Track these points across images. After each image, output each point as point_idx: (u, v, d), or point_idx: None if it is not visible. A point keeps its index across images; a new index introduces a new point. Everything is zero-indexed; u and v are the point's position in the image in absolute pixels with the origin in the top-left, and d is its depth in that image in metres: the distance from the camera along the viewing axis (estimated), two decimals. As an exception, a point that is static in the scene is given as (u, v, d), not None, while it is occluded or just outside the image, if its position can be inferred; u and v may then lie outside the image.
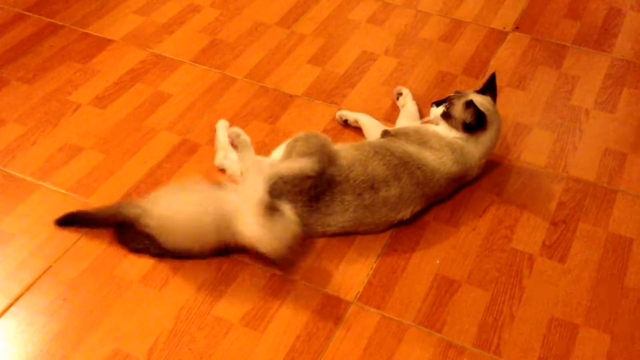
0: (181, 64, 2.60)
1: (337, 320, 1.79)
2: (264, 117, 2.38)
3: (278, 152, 2.05)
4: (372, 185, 1.92)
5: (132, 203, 1.94)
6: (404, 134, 2.08)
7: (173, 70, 2.56)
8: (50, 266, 1.89)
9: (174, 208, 1.86)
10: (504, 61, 2.66)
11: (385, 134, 2.12)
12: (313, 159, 1.91)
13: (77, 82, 2.49)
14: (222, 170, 2.14)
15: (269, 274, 1.88)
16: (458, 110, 2.04)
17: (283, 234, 1.80)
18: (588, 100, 2.50)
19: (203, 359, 1.70)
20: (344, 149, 2.01)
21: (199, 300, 1.82)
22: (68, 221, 1.97)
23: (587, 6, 2.97)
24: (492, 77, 2.15)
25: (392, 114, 2.40)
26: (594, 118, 2.42)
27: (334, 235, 1.97)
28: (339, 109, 2.38)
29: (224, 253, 1.90)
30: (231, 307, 1.80)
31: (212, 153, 2.23)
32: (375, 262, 1.93)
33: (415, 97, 2.41)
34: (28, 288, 1.84)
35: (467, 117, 2.02)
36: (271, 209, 1.77)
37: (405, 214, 1.97)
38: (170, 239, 1.85)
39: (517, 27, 2.84)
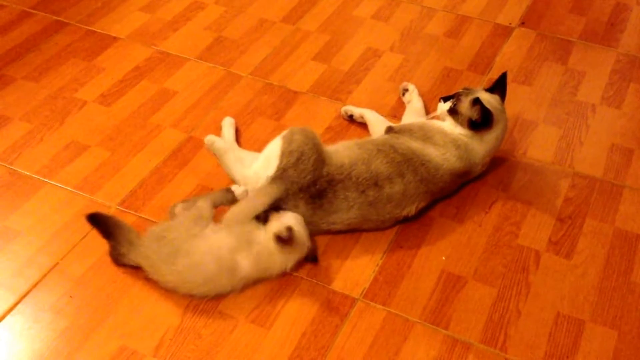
0: (186, 61, 2.60)
1: (343, 317, 1.79)
2: (269, 114, 2.37)
3: (266, 152, 2.00)
4: (376, 183, 1.92)
5: (128, 238, 1.86)
6: (408, 131, 2.07)
7: (178, 67, 2.57)
8: (56, 263, 1.90)
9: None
10: (509, 57, 2.66)
11: (389, 130, 2.12)
12: (276, 186, 1.90)
13: (83, 79, 2.50)
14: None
15: (274, 270, 1.88)
16: (465, 107, 2.04)
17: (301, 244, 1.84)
18: (594, 95, 2.49)
19: (209, 356, 1.70)
20: (348, 147, 2.00)
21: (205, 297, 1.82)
22: (94, 219, 1.93)
23: (593, 1, 2.95)
24: (503, 77, 2.14)
25: (397, 110, 2.39)
26: (601, 113, 2.42)
27: (339, 232, 1.96)
28: (344, 105, 2.37)
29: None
30: (237, 304, 1.80)
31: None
32: (381, 258, 1.93)
33: (421, 93, 2.41)
34: (35, 285, 1.85)
35: (474, 114, 2.02)
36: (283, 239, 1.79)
37: (410, 210, 1.97)
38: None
39: (522, 23, 2.83)
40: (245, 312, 1.79)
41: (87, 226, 1.98)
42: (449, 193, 2.07)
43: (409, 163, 1.95)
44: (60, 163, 2.18)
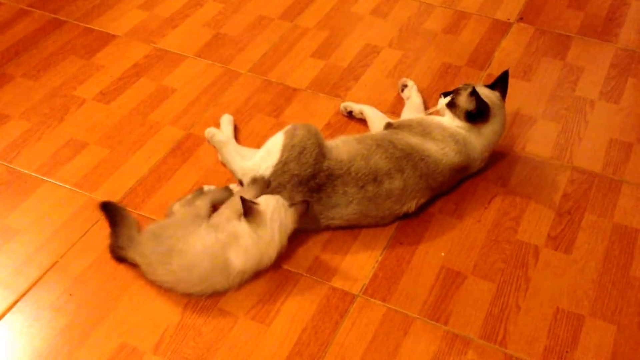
0: (185, 58, 2.59)
1: (343, 313, 1.79)
2: (268, 111, 2.37)
3: (268, 145, 2.01)
4: (375, 178, 1.92)
5: (129, 233, 1.88)
6: (407, 126, 2.08)
7: (177, 64, 2.56)
8: (56, 261, 1.90)
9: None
10: (508, 52, 2.65)
11: (388, 126, 2.12)
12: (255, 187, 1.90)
13: (82, 77, 2.49)
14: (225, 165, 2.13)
15: (274, 267, 1.88)
16: (462, 99, 2.04)
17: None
18: (593, 90, 2.49)
19: (209, 353, 1.70)
20: (347, 143, 2.00)
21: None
22: (106, 207, 1.94)
23: (592, -4, 2.96)
24: (505, 74, 2.14)
25: (396, 106, 2.39)
26: (599, 108, 2.42)
27: (339, 228, 1.97)
28: (344, 102, 2.37)
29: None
30: (237, 301, 1.81)
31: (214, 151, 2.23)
32: (380, 254, 1.93)
33: (420, 89, 2.41)
34: (34, 283, 1.85)
35: (470, 105, 2.02)
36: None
37: (410, 206, 1.97)
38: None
39: (521, 18, 2.83)
40: (245, 308, 1.79)
41: (87, 224, 1.99)
42: (448, 189, 2.07)
43: (408, 158, 1.95)
44: (59, 161, 2.18)
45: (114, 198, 2.05)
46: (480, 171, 2.14)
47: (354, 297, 1.83)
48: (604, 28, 2.78)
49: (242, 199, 1.77)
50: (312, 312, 1.79)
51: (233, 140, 2.18)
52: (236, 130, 2.27)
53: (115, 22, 2.76)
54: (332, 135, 2.26)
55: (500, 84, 2.13)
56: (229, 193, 1.97)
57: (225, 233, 1.79)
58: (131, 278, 1.85)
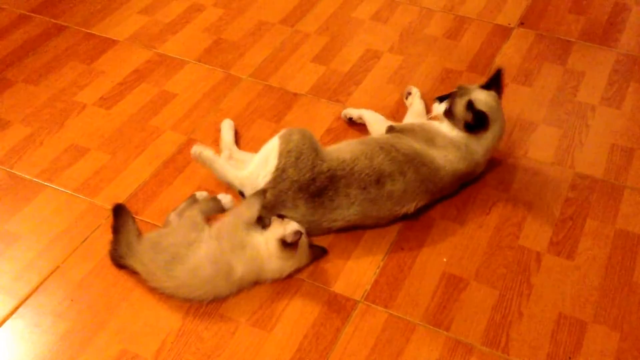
0: (185, 63, 2.59)
1: (345, 319, 1.79)
2: (269, 116, 2.37)
3: (264, 152, 1.99)
4: (378, 180, 1.92)
5: (128, 239, 1.87)
6: (410, 131, 2.07)
7: (177, 70, 2.56)
8: (57, 267, 1.89)
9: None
10: (509, 57, 2.65)
11: (390, 129, 2.12)
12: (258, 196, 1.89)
13: (82, 82, 2.49)
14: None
15: (275, 273, 1.88)
16: (459, 109, 2.04)
17: (302, 253, 1.85)
18: (594, 96, 2.49)
19: (211, 359, 1.70)
20: (349, 144, 2.01)
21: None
22: (117, 211, 1.94)
23: (592, 1, 2.95)
24: (498, 73, 2.13)
25: (397, 111, 2.39)
26: (601, 114, 2.41)
27: (340, 230, 1.96)
28: (344, 107, 2.37)
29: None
30: (238, 307, 1.80)
31: (217, 152, 2.22)
32: (382, 260, 1.93)
33: (421, 94, 2.40)
34: (35, 289, 1.84)
35: (468, 117, 2.02)
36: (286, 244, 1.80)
37: (410, 207, 1.97)
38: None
39: (522, 23, 2.83)
40: (246, 314, 1.79)
41: (88, 230, 1.98)
42: (449, 193, 2.07)
43: (411, 163, 1.95)
44: (60, 166, 2.18)
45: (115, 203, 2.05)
46: (482, 177, 2.14)
47: (355, 303, 1.82)
48: (605, 33, 2.78)
49: (285, 223, 1.80)
50: (313, 318, 1.79)
51: (233, 147, 2.18)
52: (237, 135, 2.27)
53: (116, 28, 2.76)
54: (334, 141, 2.26)
55: (494, 83, 2.13)
56: (218, 203, 1.96)
57: (229, 242, 1.78)
58: (132, 284, 1.84)
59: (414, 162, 1.95)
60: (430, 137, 2.03)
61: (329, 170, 1.90)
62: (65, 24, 2.77)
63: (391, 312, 1.81)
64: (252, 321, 1.78)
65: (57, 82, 2.49)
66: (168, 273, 1.76)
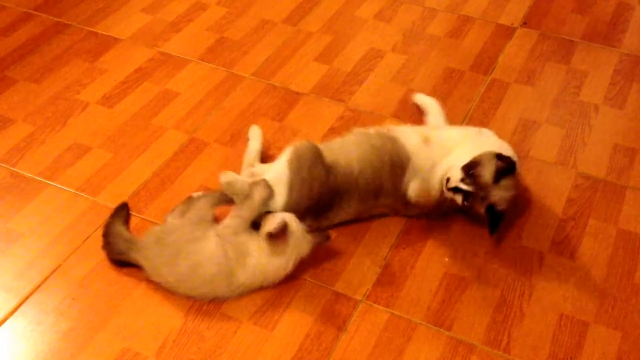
0: (188, 62, 2.59)
1: (346, 318, 1.78)
2: (272, 115, 2.37)
3: (272, 178, 1.91)
4: (376, 195, 1.95)
5: (126, 236, 1.89)
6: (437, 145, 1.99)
7: (180, 68, 2.56)
8: (59, 265, 1.90)
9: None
10: (512, 57, 2.65)
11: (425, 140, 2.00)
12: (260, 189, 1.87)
13: (85, 81, 2.49)
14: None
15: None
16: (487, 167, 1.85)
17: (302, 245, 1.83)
18: (597, 95, 2.48)
19: (212, 358, 1.70)
20: (360, 145, 1.96)
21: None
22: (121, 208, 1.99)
23: (595, 1, 2.95)
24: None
25: (400, 110, 2.39)
26: (603, 114, 2.41)
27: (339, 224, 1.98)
28: (347, 106, 2.37)
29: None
30: (240, 306, 1.80)
31: (220, 151, 2.23)
32: (383, 260, 1.93)
33: (424, 94, 2.41)
34: (37, 287, 1.85)
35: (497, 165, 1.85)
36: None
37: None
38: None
39: (525, 23, 2.83)
40: (247, 314, 1.79)
41: (90, 228, 1.98)
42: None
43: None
44: (62, 165, 2.18)
45: (118, 202, 2.05)
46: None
47: (357, 303, 1.82)
48: (608, 33, 2.78)
49: (270, 217, 1.79)
50: (315, 317, 1.79)
51: (256, 161, 2.07)
52: (239, 134, 2.27)
53: (118, 26, 2.76)
54: (336, 140, 2.26)
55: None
56: (225, 195, 1.94)
57: (234, 248, 1.77)
58: (134, 282, 1.85)
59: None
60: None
61: (335, 184, 1.90)
62: (68, 22, 2.77)
63: (393, 311, 1.80)
64: (254, 320, 1.78)
65: (60, 81, 2.49)
66: (171, 268, 1.76)
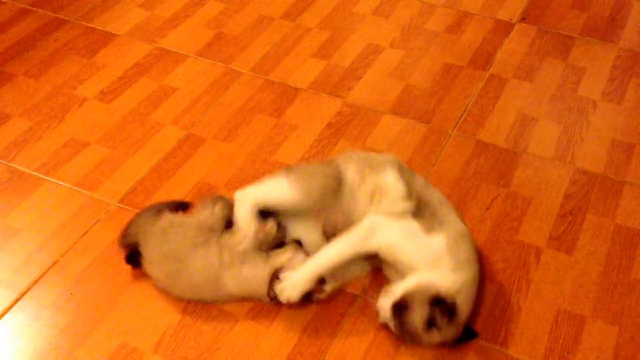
0: (186, 57, 2.59)
1: (344, 313, 1.78)
2: (269, 111, 2.37)
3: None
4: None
5: (140, 222, 1.89)
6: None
7: (178, 64, 2.56)
8: (56, 261, 1.90)
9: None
10: (510, 53, 2.65)
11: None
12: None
13: (82, 76, 2.49)
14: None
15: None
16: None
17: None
18: (595, 91, 2.48)
19: (210, 353, 1.70)
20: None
21: (205, 294, 1.82)
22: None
23: (594, -3, 2.95)
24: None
25: (398, 106, 2.39)
26: (602, 109, 2.41)
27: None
28: (345, 102, 2.37)
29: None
30: (237, 301, 1.80)
31: (217, 147, 2.23)
32: (381, 255, 1.92)
33: (421, 90, 2.40)
34: (35, 283, 1.85)
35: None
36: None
37: None
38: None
39: (523, 19, 2.83)
40: (245, 309, 1.79)
41: (87, 223, 1.98)
42: None
43: None
44: (59, 160, 2.18)
45: (115, 197, 2.05)
46: (482, 172, 2.14)
47: (354, 298, 1.82)
48: (607, 29, 2.78)
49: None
50: (312, 312, 1.79)
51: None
52: (237, 130, 2.28)
53: (116, 22, 2.76)
54: (334, 135, 2.26)
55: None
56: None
57: (231, 254, 1.75)
58: (132, 278, 1.85)
59: None
60: None
61: None
62: (66, 18, 2.76)
63: (390, 306, 1.80)
64: (251, 315, 1.78)
65: (57, 76, 2.49)
66: (163, 265, 1.76)
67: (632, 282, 1.87)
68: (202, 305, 1.79)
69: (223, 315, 1.77)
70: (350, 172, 1.80)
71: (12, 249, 1.93)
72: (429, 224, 1.69)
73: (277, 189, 1.81)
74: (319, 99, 2.43)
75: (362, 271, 1.84)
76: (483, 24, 2.79)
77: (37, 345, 1.72)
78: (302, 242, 1.83)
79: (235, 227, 1.80)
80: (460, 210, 2.04)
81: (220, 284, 1.75)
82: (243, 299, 1.79)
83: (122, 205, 2.04)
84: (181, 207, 1.99)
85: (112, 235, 1.94)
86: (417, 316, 1.59)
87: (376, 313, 1.68)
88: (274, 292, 1.72)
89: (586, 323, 1.77)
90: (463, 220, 1.79)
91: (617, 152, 2.25)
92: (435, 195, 1.79)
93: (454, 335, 1.62)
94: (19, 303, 1.80)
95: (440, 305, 1.58)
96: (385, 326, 1.72)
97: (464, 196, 2.08)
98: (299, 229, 1.85)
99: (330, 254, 1.71)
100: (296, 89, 2.46)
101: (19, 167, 2.15)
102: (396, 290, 1.64)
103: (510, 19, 2.82)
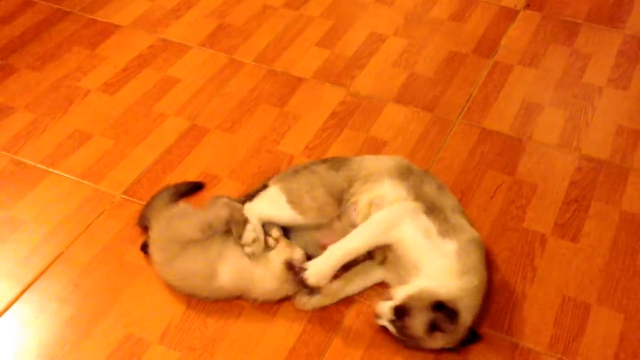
0: (189, 48, 2.58)
1: (349, 303, 1.78)
2: (273, 101, 2.36)
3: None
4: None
5: (155, 206, 1.90)
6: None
7: (181, 55, 2.55)
8: (61, 252, 1.90)
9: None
10: (515, 40, 2.63)
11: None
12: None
13: (86, 68, 2.49)
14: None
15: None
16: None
17: None
18: (601, 77, 2.46)
19: (214, 343, 1.70)
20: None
21: (210, 285, 1.82)
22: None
23: (600, -18, 2.92)
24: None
25: (402, 95, 2.38)
26: (607, 95, 2.39)
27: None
28: (348, 91, 2.36)
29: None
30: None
31: (221, 137, 2.23)
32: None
33: (425, 78, 2.40)
34: (40, 274, 1.85)
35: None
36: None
37: None
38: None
39: (528, 5, 2.80)
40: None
41: (92, 215, 1.99)
42: None
43: None
44: (64, 152, 2.18)
45: (120, 189, 2.05)
46: (487, 160, 2.13)
47: (353, 300, 1.82)
48: (612, 14, 2.75)
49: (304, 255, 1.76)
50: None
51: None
52: (241, 120, 2.27)
53: (119, 13, 2.75)
54: (338, 125, 2.26)
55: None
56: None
57: (229, 247, 1.75)
58: (137, 269, 1.85)
59: None
60: None
61: None
62: (69, 10, 2.76)
63: (395, 295, 1.80)
64: (256, 305, 1.77)
65: (61, 68, 2.49)
66: (164, 249, 1.76)
67: (638, 269, 1.86)
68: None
69: (228, 307, 1.77)
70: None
71: (17, 241, 1.93)
72: (443, 227, 1.69)
73: (279, 212, 1.81)
74: (322, 89, 2.42)
75: (379, 278, 1.83)
76: (487, 11, 2.77)
77: (42, 336, 1.73)
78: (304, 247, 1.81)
79: (244, 231, 1.77)
80: (465, 198, 2.03)
81: (213, 277, 1.73)
82: (238, 296, 1.77)
83: (126, 197, 2.04)
84: (195, 187, 2.02)
85: (116, 226, 1.95)
86: (419, 321, 1.59)
87: (375, 316, 1.67)
88: (301, 278, 1.70)
89: (591, 310, 1.77)
90: (474, 227, 1.78)
91: (623, 138, 2.23)
92: (449, 202, 1.79)
93: (457, 339, 1.62)
94: (25, 295, 1.81)
95: (442, 310, 1.57)
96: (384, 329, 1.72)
97: (469, 184, 2.08)
98: (297, 238, 1.84)
99: (352, 242, 1.71)
100: (299, 79, 2.45)
101: (24, 160, 2.16)
102: (398, 293, 1.63)
103: (515, 6, 2.80)
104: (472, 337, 1.65)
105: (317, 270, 1.69)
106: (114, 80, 2.44)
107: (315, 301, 1.75)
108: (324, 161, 1.91)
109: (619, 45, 2.60)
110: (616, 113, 2.32)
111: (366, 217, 1.76)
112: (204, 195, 2.03)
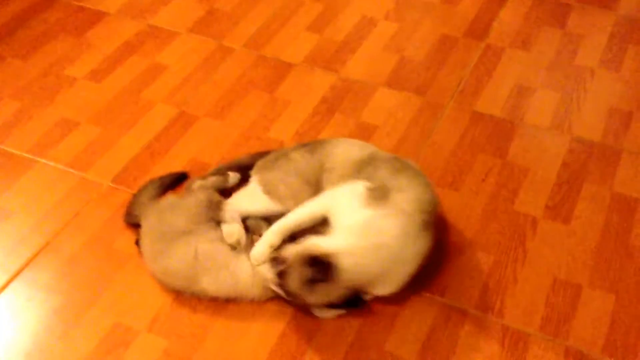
0: (177, 34, 2.56)
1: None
2: (263, 87, 2.34)
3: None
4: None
5: (142, 202, 1.90)
6: None
7: (169, 41, 2.53)
8: (49, 242, 1.88)
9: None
10: (507, 22, 2.61)
11: None
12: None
13: (72, 56, 2.46)
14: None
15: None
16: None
17: None
18: (593, 59, 2.44)
19: (204, 331, 1.69)
20: None
21: (199, 272, 1.80)
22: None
23: (592, -37, 2.89)
24: None
25: (393, 79, 2.36)
26: (599, 77, 2.37)
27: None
28: (339, 76, 2.34)
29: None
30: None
31: (210, 124, 2.21)
32: (376, 228, 1.91)
33: (417, 62, 2.37)
34: (27, 264, 1.84)
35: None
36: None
37: None
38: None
39: (519, -13, 2.78)
40: (239, 285, 1.78)
41: (79, 204, 1.97)
42: None
43: None
44: (51, 141, 2.16)
45: (107, 177, 2.03)
46: (478, 143, 2.11)
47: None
48: (604, -5, 2.73)
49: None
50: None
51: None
52: (230, 107, 2.25)
53: (106, 0, 2.72)
54: (328, 110, 2.24)
55: None
56: (225, 180, 1.91)
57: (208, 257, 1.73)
58: (125, 257, 1.83)
59: None
60: None
61: None
62: (56, -2, 2.73)
63: (385, 280, 1.79)
64: (245, 292, 1.77)
65: (47, 56, 2.46)
66: (152, 243, 1.75)
67: (629, 250, 1.85)
68: (195, 283, 1.78)
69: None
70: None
71: (4, 231, 1.91)
72: (372, 200, 1.64)
73: (257, 204, 1.81)
74: (312, 74, 2.39)
75: None
76: (478, -6, 2.74)
77: (30, 326, 1.71)
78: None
79: (225, 230, 1.78)
80: (457, 181, 2.02)
81: (194, 281, 1.71)
82: (218, 298, 1.74)
83: (114, 185, 2.02)
84: (180, 178, 2.00)
85: (104, 215, 1.93)
86: (294, 276, 1.57)
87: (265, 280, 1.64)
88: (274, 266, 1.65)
89: (583, 292, 1.76)
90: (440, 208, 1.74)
91: (615, 120, 2.21)
92: (401, 182, 1.71)
93: (335, 297, 1.60)
94: (12, 284, 1.80)
95: (318, 264, 1.55)
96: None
97: (460, 168, 2.06)
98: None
99: (291, 216, 1.71)
100: (289, 64, 2.43)
101: (10, 149, 2.14)
102: (283, 252, 1.61)
103: (506, -12, 2.77)
104: (354, 300, 1.63)
105: (256, 250, 1.68)
106: (101, 68, 2.42)
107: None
108: (305, 145, 1.89)
109: (611, 26, 2.58)
110: (608, 94, 2.31)
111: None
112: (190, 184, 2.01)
